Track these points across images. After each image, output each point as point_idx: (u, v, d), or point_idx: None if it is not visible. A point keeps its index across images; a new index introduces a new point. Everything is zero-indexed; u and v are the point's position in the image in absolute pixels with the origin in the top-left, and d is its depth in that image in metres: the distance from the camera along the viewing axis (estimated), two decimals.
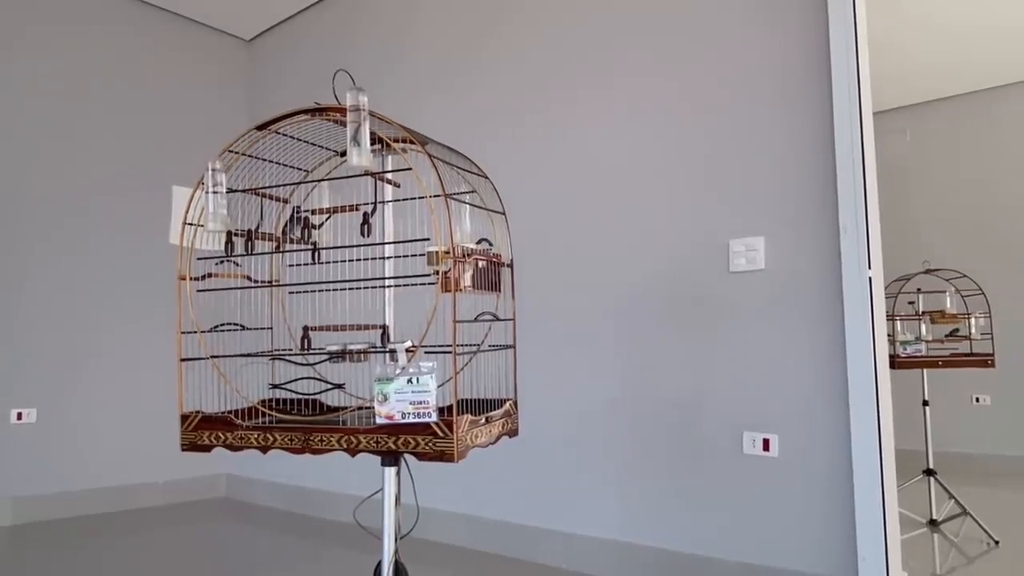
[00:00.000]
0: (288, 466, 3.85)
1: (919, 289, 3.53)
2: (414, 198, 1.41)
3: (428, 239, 1.33)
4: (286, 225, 1.51)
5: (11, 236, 3.53)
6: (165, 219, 4.10)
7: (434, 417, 1.26)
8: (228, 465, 4.20)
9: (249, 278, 1.51)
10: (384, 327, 1.47)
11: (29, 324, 3.56)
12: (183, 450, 1.41)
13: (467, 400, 1.50)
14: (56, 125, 3.72)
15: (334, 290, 1.43)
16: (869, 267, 2.13)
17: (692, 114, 2.56)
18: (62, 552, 2.97)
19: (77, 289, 3.73)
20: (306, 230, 1.51)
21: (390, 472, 1.43)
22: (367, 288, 1.43)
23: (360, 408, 1.48)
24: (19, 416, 3.50)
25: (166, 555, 2.92)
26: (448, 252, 1.30)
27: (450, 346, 1.28)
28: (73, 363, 3.69)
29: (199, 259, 1.47)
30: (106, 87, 3.91)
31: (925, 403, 3.37)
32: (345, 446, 1.30)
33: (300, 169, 1.62)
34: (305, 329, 1.45)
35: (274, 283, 1.53)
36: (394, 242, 1.43)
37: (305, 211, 1.53)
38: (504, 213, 1.57)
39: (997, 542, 3.03)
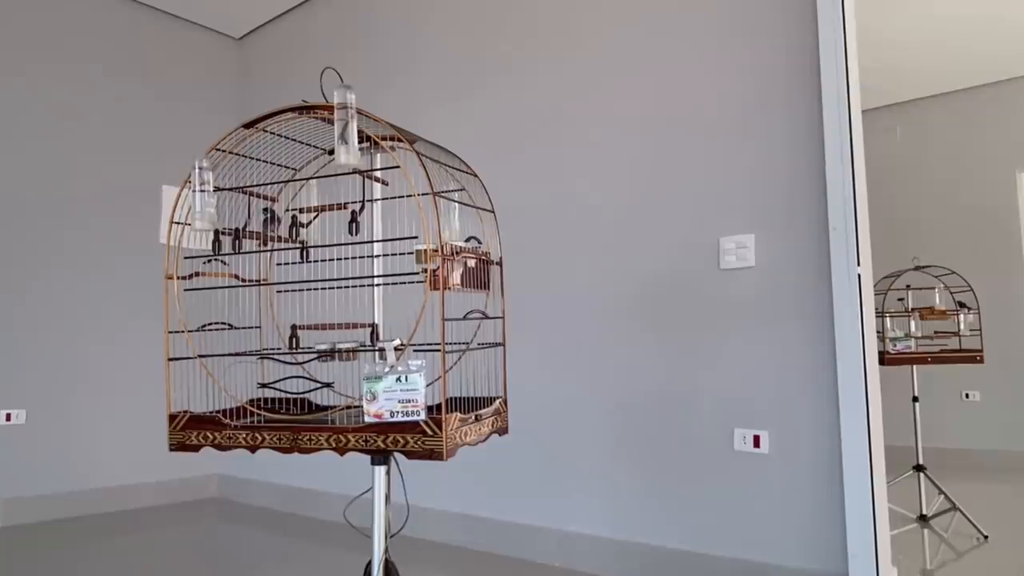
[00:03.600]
0: (279, 466, 3.84)
1: (909, 286, 3.55)
2: (402, 196, 1.40)
3: (416, 237, 1.32)
4: (265, 222, 1.50)
5: None
6: (155, 219, 4.08)
7: (423, 415, 1.25)
8: (220, 465, 4.19)
9: (237, 277, 1.51)
10: (373, 326, 1.46)
11: (18, 325, 3.53)
12: (171, 450, 1.40)
13: (457, 398, 1.50)
14: (45, 126, 3.69)
15: (322, 289, 1.43)
16: (858, 264, 2.14)
17: (683, 112, 2.56)
18: (54, 553, 2.95)
19: (67, 290, 3.71)
20: (294, 228, 1.50)
21: (380, 471, 1.42)
22: (355, 287, 1.43)
23: (349, 407, 1.48)
24: (8, 417, 3.48)
25: (158, 555, 2.91)
26: (436, 250, 1.30)
27: (439, 344, 1.28)
28: (63, 364, 3.67)
29: (187, 258, 1.47)
30: (95, 87, 3.89)
31: (915, 399, 3.38)
32: (334, 445, 1.30)
33: (288, 168, 1.61)
34: (293, 328, 1.45)
35: (262, 282, 1.52)
36: (382, 240, 1.42)
37: (292, 210, 1.52)
38: (493, 211, 1.57)
39: (986, 537, 3.05)
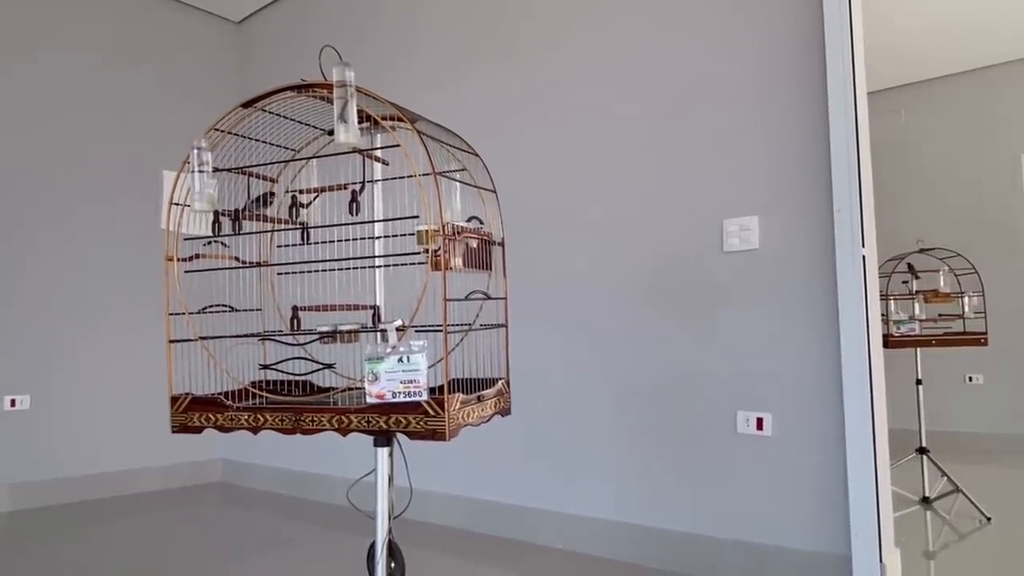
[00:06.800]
0: (282, 450, 3.85)
1: (913, 268, 3.53)
2: (403, 176, 1.39)
3: (417, 217, 1.31)
4: (256, 200, 1.49)
5: (1, 224, 3.50)
6: (155, 204, 4.06)
7: (425, 396, 1.25)
8: (223, 450, 4.21)
9: (237, 259, 1.50)
10: (375, 307, 1.46)
11: (21, 310, 3.53)
12: (173, 432, 1.40)
13: (459, 380, 1.49)
14: (44, 111, 3.67)
15: (323, 270, 1.42)
16: (863, 246, 2.13)
17: (686, 93, 2.54)
18: (60, 537, 2.97)
19: (69, 275, 3.71)
20: (294, 210, 1.49)
21: (383, 452, 1.42)
22: (357, 268, 1.42)
23: (351, 388, 1.48)
24: (12, 403, 3.49)
25: (162, 539, 2.93)
26: (438, 230, 1.29)
27: (441, 325, 1.27)
28: (66, 349, 3.67)
29: (187, 240, 1.46)
30: (93, 73, 3.87)
31: (918, 382, 3.38)
32: (336, 426, 1.30)
33: (288, 148, 1.60)
34: (294, 309, 1.44)
35: (263, 263, 1.51)
36: (383, 220, 1.41)
37: (293, 191, 1.51)
38: (495, 191, 1.56)
39: (989, 519, 3.05)
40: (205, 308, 1.47)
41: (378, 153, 1.52)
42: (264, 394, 1.42)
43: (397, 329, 1.29)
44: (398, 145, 1.31)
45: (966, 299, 3.49)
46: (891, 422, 2.52)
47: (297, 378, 1.52)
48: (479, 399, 1.40)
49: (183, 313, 1.42)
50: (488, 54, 3.14)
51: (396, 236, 1.44)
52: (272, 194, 1.50)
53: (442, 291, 1.27)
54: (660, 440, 2.51)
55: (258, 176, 1.52)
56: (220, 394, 1.42)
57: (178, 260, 1.44)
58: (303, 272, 1.50)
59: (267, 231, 1.52)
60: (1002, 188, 4.99)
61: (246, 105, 1.43)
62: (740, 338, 2.35)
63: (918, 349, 3.33)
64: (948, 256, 3.60)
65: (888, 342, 3.22)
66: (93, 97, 3.86)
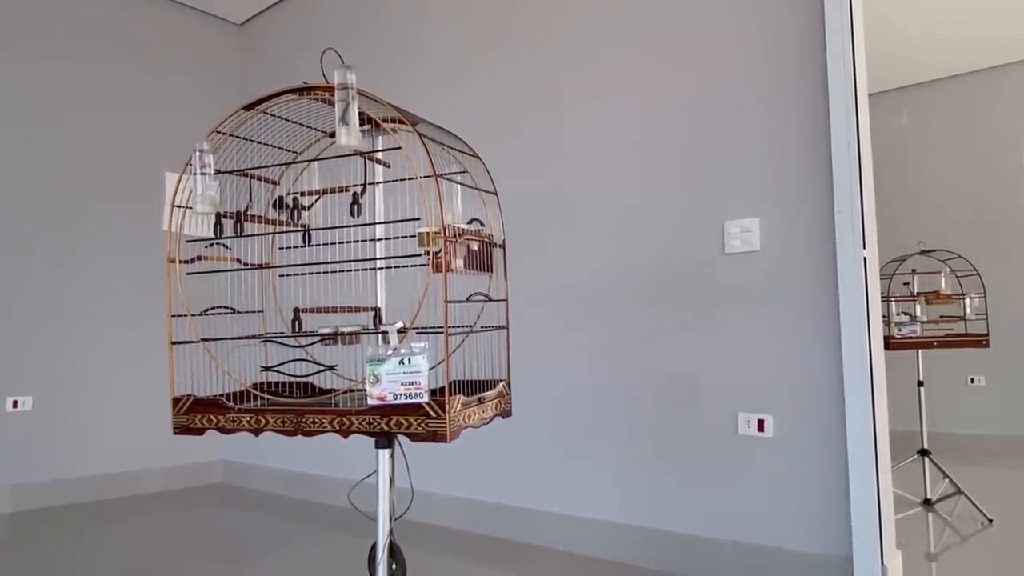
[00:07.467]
0: (284, 452, 3.86)
1: (914, 270, 3.53)
2: (404, 179, 1.39)
3: (419, 219, 1.32)
4: (273, 203, 1.49)
5: (3, 225, 3.51)
6: (157, 206, 4.07)
7: (426, 398, 1.25)
8: (225, 451, 4.21)
9: (239, 261, 1.50)
10: (376, 309, 1.46)
11: (23, 311, 3.54)
12: (175, 433, 1.40)
13: (460, 381, 1.50)
14: (46, 113, 3.68)
15: (325, 272, 1.42)
16: (864, 248, 2.13)
17: (689, 94, 2.54)
18: (61, 539, 2.97)
19: (71, 276, 3.71)
20: (296, 211, 1.50)
21: (384, 454, 1.42)
22: (358, 270, 1.43)
23: (352, 390, 1.48)
24: (15, 404, 3.49)
25: (164, 540, 2.93)
26: (439, 232, 1.29)
27: (442, 327, 1.27)
28: (68, 350, 3.68)
29: (188, 242, 1.46)
30: (95, 75, 3.87)
31: (920, 384, 3.38)
32: (337, 428, 1.30)
33: (290, 151, 1.60)
34: (296, 311, 1.44)
35: (264, 266, 1.52)
36: (385, 222, 1.42)
37: (294, 193, 1.51)
38: (496, 193, 1.56)
39: (991, 521, 3.05)
40: (207, 310, 1.48)
41: (379, 155, 1.52)
42: (266, 396, 1.43)
43: (398, 331, 1.29)
44: (399, 148, 1.31)
45: (967, 301, 3.48)
46: (892, 424, 2.53)
47: (298, 380, 1.52)
48: (480, 401, 1.41)
49: (185, 315, 1.42)
50: (487, 55, 3.14)
51: (397, 238, 1.45)
52: (288, 197, 1.50)
53: (443, 293, 1.27)
54: (660, 441, 2.51)
55: (260, 178, 1.53)
56: (222, 396, 1.42)
57: (180, 262, 1.44)
58: (305, 274, 1.50)
59: (269, 233, 1.52)
60: (1003, 189, 4.98)
61: (248, 108, 1.43)
62: (741, 339, 2.35)
63: (919, 351, 3.33)
64: (950, 258, 3.59)
65: (889, 344, 3.22)
66: (95, 99, 3.86)
